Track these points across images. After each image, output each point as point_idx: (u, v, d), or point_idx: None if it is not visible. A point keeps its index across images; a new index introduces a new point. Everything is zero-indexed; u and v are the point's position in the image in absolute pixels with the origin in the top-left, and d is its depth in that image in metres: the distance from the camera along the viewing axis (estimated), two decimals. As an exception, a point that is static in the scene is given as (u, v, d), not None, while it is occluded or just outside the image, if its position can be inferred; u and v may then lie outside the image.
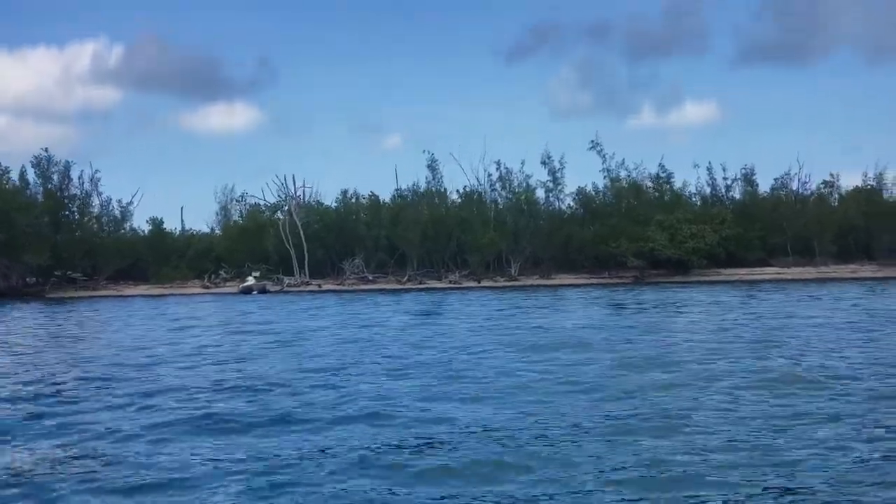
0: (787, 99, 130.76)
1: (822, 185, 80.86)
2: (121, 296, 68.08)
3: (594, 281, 70.54)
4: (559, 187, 78.47)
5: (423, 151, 78.92)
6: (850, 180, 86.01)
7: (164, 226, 79.85)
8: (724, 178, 79.04)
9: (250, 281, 69.21)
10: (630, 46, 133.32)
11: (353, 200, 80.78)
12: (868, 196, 77.54)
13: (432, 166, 78.55)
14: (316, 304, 48.30)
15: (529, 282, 71.42)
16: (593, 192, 79.08)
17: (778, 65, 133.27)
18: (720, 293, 48.97)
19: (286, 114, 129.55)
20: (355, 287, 71.13)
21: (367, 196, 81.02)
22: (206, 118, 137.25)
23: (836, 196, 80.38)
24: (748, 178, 78.70)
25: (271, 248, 75.26)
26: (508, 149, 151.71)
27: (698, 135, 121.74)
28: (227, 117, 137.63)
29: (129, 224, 78.67)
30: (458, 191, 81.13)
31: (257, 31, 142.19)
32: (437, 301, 48.42)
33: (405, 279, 73.48)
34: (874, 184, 78.84)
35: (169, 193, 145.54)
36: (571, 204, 79.77)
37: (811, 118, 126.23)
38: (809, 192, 79.40)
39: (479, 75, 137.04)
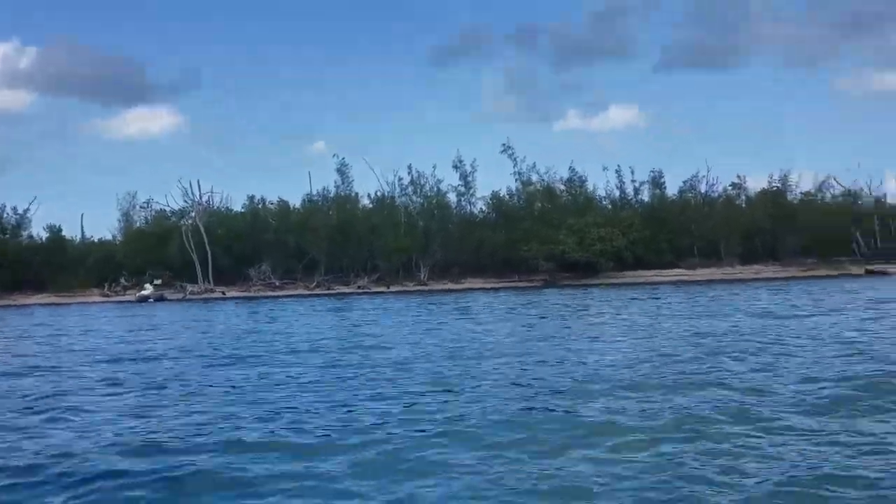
0: (708, 103, 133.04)
1: (729, 188, 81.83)
2: (15, 305, 65.83)
3: (504, 284, 70.22)
4: (471, 191, 78.25)
5: (334, 156, 77.72)
6: (761, 183, 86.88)
7: (64, 233, 77.59)
8: (633, 182, 79.44)
9: (147, 290, 67.42)
10: (556, 52, 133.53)
11: (261, 206, 79.37)
12: (774, 198, 78.52)
13: (342, 171, 77.59)
14: (190, 314, 46.95)
15: (439, 286, 70.77)
16: (506, 197, 78.75)
17: (700, 70, 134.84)
18: (612, 296, 48.72)
19: (207, 120, 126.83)
20: (261, 294, 69.76)
21: (274, 202, 79.81)
22: (122, 124, 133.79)
23: (744, 199, 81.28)
24: (656, 182, 79.21)
25: (175, 254, 73.36)
26: (434, 153, 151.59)
27: (623, 139, 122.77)
28: (145, 123, 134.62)
29: (26, 232, 76.37)
30: (369, 195, 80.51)
31: (179, 36, 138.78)
32: (277, 310, 47.47)
33: (313, 285, 72.32)
34: (779, 186, 79.98)
35: (73, 201, 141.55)
36: (483, 208, 79.53)
37: (729, 122, 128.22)
38: (717, 194, 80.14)
39: (407, 80, 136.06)
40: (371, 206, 79.63)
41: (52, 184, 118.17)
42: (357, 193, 79.93)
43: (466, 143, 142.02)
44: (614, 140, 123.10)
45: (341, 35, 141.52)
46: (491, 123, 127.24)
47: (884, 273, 68.30)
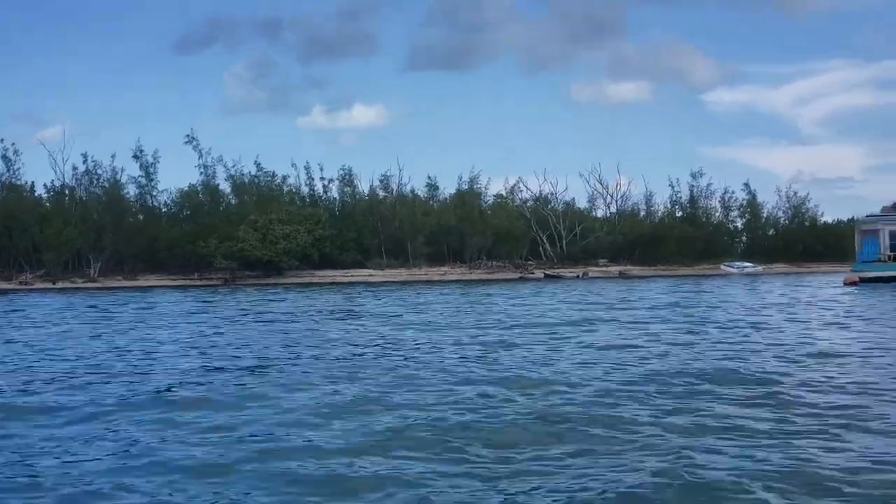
0: (450, 104, 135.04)
1: (426, 189, 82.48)
2: None
3: (181, 283, 66.74)
4: (153, 183, 74.14)
5: (0, 141, 70.83)
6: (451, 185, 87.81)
7: None
8: (322, 179, 78.18)
9: None
10: (301, 46, 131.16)
11: None
12: (462, 201, 79.64)
13: (6, 157, 71.05)
14: None
15: (111, 283, 66.24)
16: (189, 190, 75.08)
17: (444, 71, 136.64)
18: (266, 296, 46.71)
19: None
20: None
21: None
22: None
23: (436, 200, 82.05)
24: (347, 180, 78.27)
25: None
26: (169, 141, 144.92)
27: (365, 136, 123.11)
28: None
29: None
30: (45, 185, 74.50)
31: None
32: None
33: (-33, 281, 65.72)
34: (469, 187, 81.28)
35: None
36: (167, 202, 75.62)
37: (464, 123, 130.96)
38: (409, 194, 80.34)
39: (149, 66, 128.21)
40: (46, 196, 73.80)
41: None
42: (32, 182, 73.85)
43: (205, 133, 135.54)
44: (356, 137, 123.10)
45: (80, 16, 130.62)
46: (234, 115, 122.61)
47: (559, 277, 70.91)
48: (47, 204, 73.25)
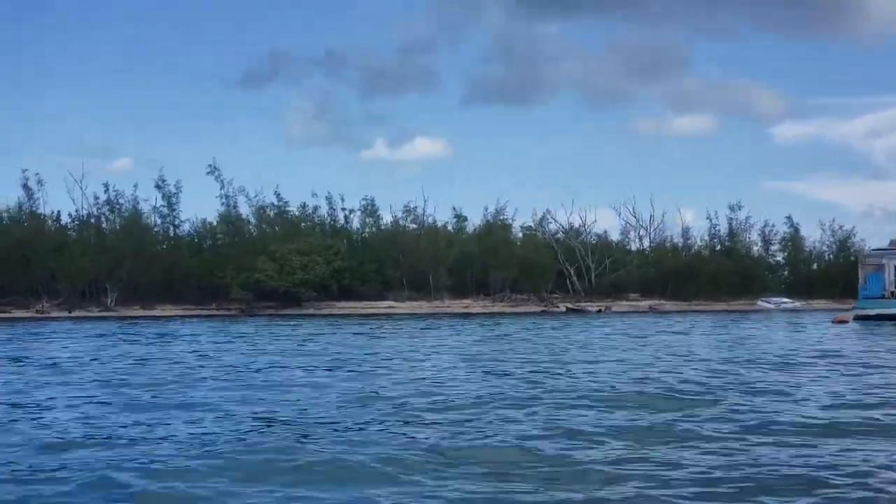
0: (510, 138, 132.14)
1: (454, 220, 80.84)
2: None
3: (198, 313, 65.81)
4: (175, 213, 73.60)
5: (21, 171, 70.68)
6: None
7: None
8: (343, 210, 76.91)
9: None
10: (362, 80, 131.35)
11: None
12: (489, 232, 77.80)
13: (27, 186, 70.99)
14: None
15: (127, 312, 65.50)
16: (216, 221, 74.54)
17: (504, 106, 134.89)
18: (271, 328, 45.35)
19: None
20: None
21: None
22: None
23: (463, 232, 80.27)
24: (369, 210, 76.86)
25: None
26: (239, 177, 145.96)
27: (428, 170, 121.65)
28: None
29: None
30: (70, 214, 74.19)
31: None
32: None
33: (-15, 308, 65.47)
34: (491, 219, 79.46)
35: None
36: (190, 231, 75.01)
37: (525, 158, 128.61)
38: (434, 225, 78.72)
39: (211, 101, 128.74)
40: (69, 224, 73.63)
41: None
42: (56, 212, 73.73)
43: (274, 166, 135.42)
44: (419, 170, 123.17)
45: (144, 51, 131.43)
46: (298, 149, 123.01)
47: (582, 311, 68.51)
48: (71, 233, 73.04)
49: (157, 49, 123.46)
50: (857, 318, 44.26)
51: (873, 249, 48.73)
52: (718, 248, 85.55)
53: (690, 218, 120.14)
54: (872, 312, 43.35)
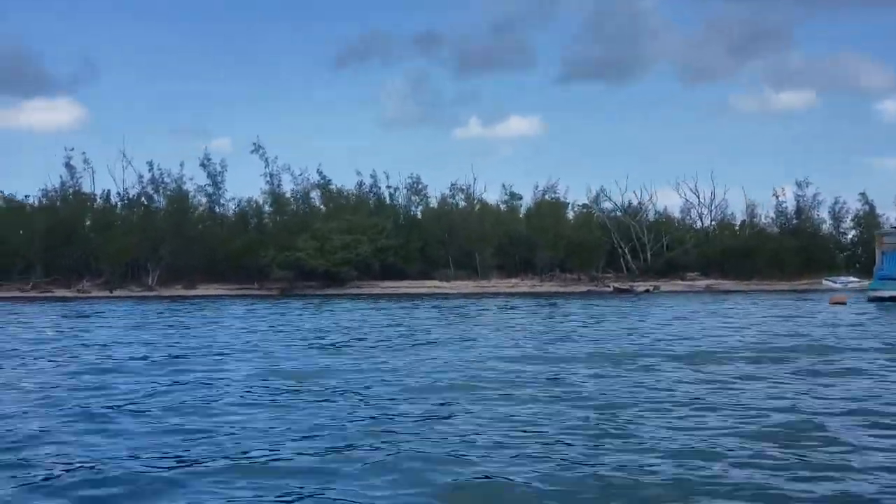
0: (605, 116, 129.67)
1: (506, 198, 78.51)
2: None
3: (239, 292, 64.79)
4: (220, 192, 72.78)
5: (65, 149, 70.51)
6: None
7: None
8: (388, 188, 75.15)
9: None
10: (456, 59, 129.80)
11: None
12: (538, 211, 75.37)
13: (70, 165, 70.78)
14: None
15: (168, 292, 64.89)
16: (257, 200, 73.72)
17: (599, 83, 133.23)
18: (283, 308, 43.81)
19: (105, 114, 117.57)
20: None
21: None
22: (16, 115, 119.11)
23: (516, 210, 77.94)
24: (415, 189, 74.88)
25: None
26: (331, 158, 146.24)
27: (521, 148, 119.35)
28: (43, 114, 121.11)
29: None
30: (119, 194, 73.83)
31: (77, 28, 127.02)
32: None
33: (29, 287, 65.52)
34: (545, 196, 76.89)
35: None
36: (236, 210, 74.13)
37: (621, 134, 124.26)
38: (481, 203, 76.52)
39: (309, 81, 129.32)
40: (116, 204, 73.33)
41: None
42: (106, 191, 73.61)
43: (367, 146, 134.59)
44: (512, 149, 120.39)
45: (241, 33, 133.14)
46: (395, 129, 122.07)
47: (629, 291, 65.54)
48: (119, 212, 72.71)
49: (257, 32, 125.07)
50: (872, 300, 41.08)
51: (891, 227, 44.87)
52: (784, 225, 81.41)
53: (761, 196, 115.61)
54: (887, 294, 39.95)
